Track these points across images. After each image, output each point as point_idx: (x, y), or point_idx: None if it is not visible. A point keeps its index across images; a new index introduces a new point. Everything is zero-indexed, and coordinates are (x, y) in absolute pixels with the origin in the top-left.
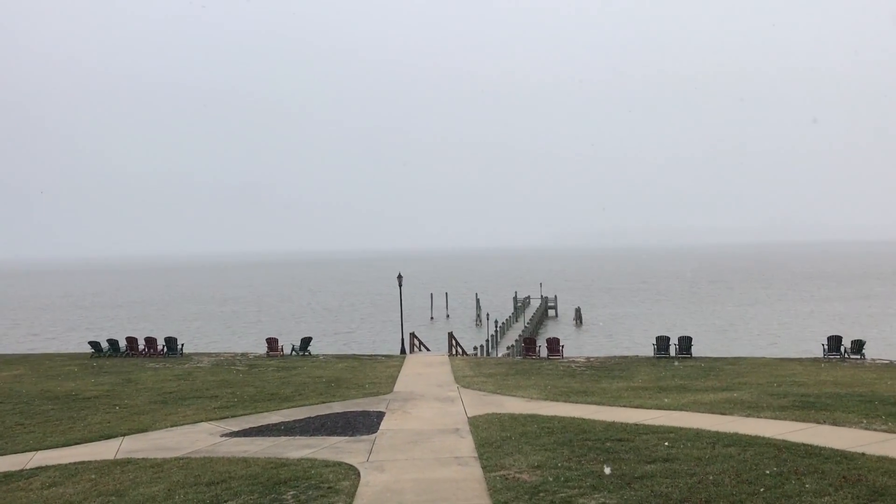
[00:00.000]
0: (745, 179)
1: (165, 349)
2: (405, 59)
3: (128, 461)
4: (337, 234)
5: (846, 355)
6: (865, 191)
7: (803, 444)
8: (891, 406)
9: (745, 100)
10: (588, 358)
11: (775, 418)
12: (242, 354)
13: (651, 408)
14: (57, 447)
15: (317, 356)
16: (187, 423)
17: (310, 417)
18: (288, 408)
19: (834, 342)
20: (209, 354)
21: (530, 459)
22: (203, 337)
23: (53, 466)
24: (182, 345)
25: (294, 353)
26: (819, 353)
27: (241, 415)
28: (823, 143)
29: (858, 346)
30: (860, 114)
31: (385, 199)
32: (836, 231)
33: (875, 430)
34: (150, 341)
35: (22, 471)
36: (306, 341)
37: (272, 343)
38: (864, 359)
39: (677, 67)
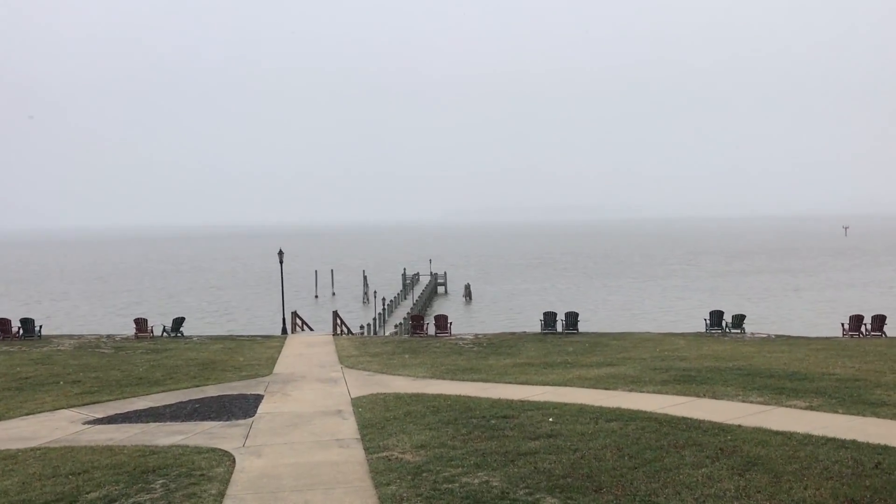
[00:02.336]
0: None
1: (21, 331)
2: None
3: None
4: (216, 207)
5: (727, 329)
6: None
7: (683, 418)
8: (766, 378)
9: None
10: (476, 335)
11: (657, 392)
12: (108, 336)
13: (536, 384)
14: None
15: (190, 337)
16: (46, 411)
17: (181, 402)
18: (158, 392)
19: (716, 317)
20: (71, 336)
21: (414, 439)
22: (68, 318)
23: None
24: (41, 326)
25: (165, 334)
26: (701, 328)
27: (107, 401)
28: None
29: (739, 320)
30: None
31: (272, 172)
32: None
33: (751, 402)
34: (3, 322)
35: None
36: (178, 321)
37: (140, 324)
38: (745, 333)
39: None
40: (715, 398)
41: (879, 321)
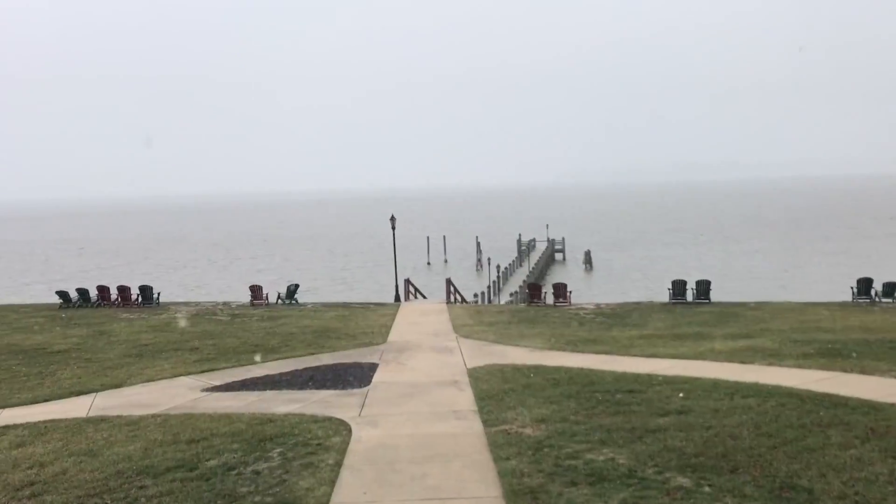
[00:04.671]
0: (761, 115)
1: (140, 298)
2: None
3: (101, 419)
4: (317, 173)
5: (877, 299)
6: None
7: (828, 395)
8: None
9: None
10: (598, 304)
11: (798, 367)
12: (224, 303)
13: (665, 357)
14: (25, 405)
15: (304, 305)
16: (165, 378)
17: (297, 370)
18: (274, 360)
19: (863, 285)
20: (188, 304)
21: (534, 413)
22: (183, 285)
23: (21, 425)
24: (158, 293)
25: (280, 301)
26: (848, 297)
27: (223, 368)
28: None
29: (891, 288)
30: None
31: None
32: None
33: None
34: (123, 290)
35: None
36: (293, 289)
37: (256, 291)
38: None
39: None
40: (864, 373)
41: None
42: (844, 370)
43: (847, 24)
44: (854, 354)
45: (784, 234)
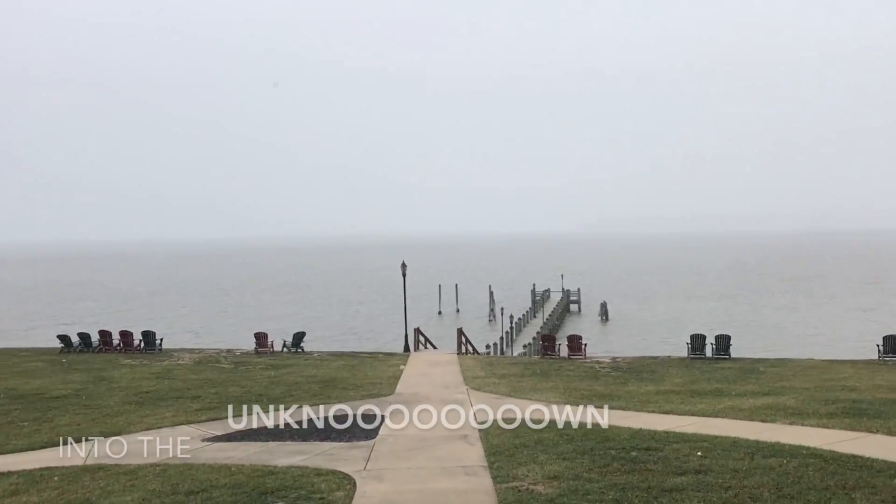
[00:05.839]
0: (781, 168)
1: (142, 344)
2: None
3: (99, 467)
4: (319, 218)
5: None
6: None
7: (853, 456)
8: None
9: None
10: (614, 358)
11: (822, 426)
12: (228, 350)
13: (683, 414)
14: (21, 451)
15: (311, 353)
16: (166, 426)
17: (302, 420)
18: (278, 410)
19: (890, 343)
20: (191, 350)
21: (546, 469)
22: (187, 331)
23: (16, 472)
24: (161, 339)
25: (285, 349)
26: (874, 355)
27: (226, 417)
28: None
29: None
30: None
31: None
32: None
33: None
34: (125, 335)
35: None
36: (299, 336)
37: (261, 338)
38: None
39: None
40: (890, 434)
41: None
42: (870, 431)
43: None
44: (881, 415)
45: (808, 289)
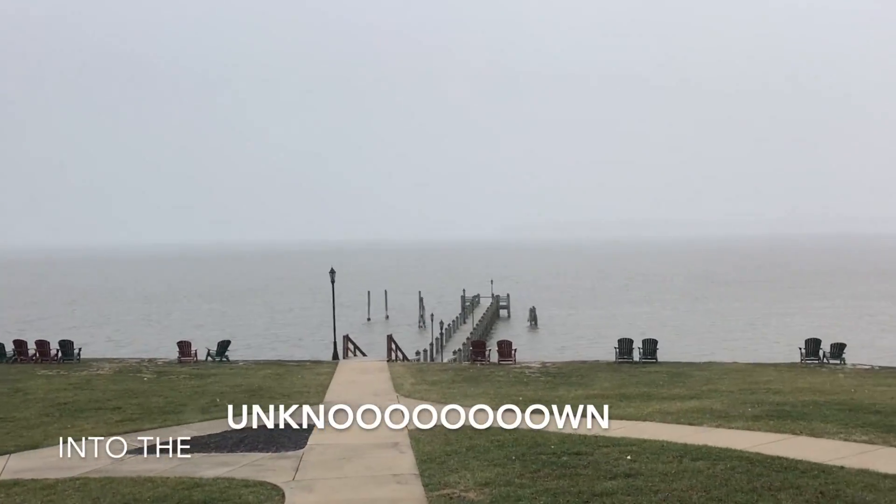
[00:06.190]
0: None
1: (60, 354)
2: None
3: (14, 482)
4: (254, 224)
5: (825, 360)
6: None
7: (778, 457)
8: (871, 415)
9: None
10: (543, 363)
11: (748, 429)
12: (150, 360)
13: (612, 418)
14: None
15: (236, 362)
16: (85, 438)
17: (227, 431)
18: (202, 421)
19: (812, 346)
20: (111, 360)
21: (478, 476)
22: (108, 340)
23: None
24: (80, 349)
25: (210, 358)
26: (797, 358)
27: (148, 429)
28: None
29: (839, 350)
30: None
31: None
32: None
33: (855, 440)
34: (42, 344)
35: None
36: (224, 345)
37: (184, 347)
38: (845, 364)
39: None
40: (813, 436)
41: None
42: (794, 432)
43: None
44: (804, 416)
45: (735, 294)
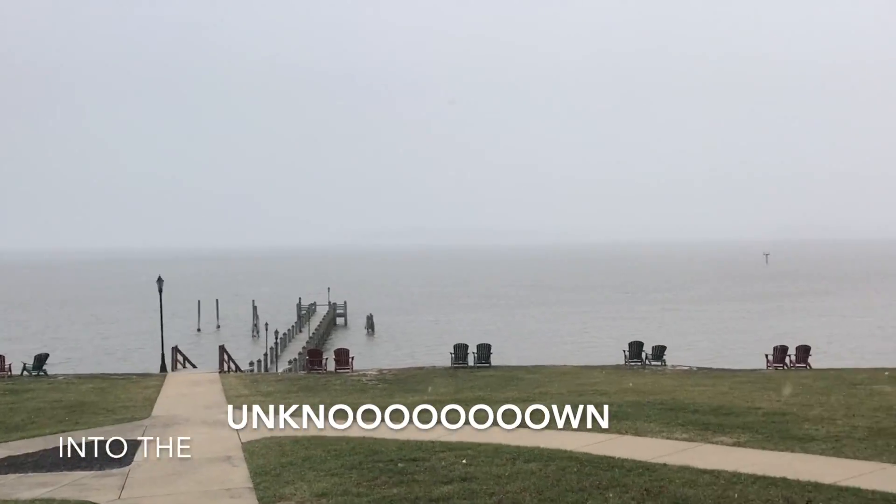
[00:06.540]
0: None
1: None
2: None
3: None
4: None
5: (647, 362)
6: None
7: (606, 457)
8: (691, 413)
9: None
10: (381, 370)
11: (577, 430)
12: None
13: (450, 422)
14: None
15: (55, 376)
16: None
17: (46, 450)
18: (18, 439)
19: (635, 348)
20: None
21: (314, 487)
22: None
23: None
24: None
25: (26, 372)
26: (621, 360)
27: None
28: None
29: (659, 352)
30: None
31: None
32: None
33: (676, 438)
34: None
35: None
36: (41, 358)
37: None
38: (665, 365)
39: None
40: (637, 435)
41: (804, 352)
42: (619, 432)
43: None
44: (629, 416)
45: (566, 299)
